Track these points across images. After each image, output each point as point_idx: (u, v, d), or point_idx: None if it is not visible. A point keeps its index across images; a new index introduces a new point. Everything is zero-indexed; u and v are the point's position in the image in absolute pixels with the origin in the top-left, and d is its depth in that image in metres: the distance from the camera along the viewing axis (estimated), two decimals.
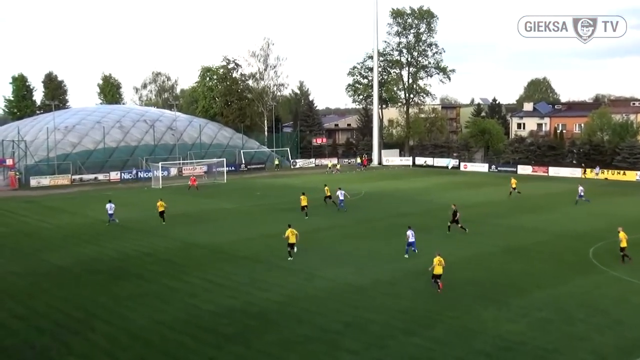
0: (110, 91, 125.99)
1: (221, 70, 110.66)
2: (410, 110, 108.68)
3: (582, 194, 53.45)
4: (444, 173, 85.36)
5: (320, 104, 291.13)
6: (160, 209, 45.65)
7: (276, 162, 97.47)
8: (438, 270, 26.79)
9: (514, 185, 59.20)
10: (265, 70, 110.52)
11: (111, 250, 36.13)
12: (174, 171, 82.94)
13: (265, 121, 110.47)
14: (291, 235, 33.05)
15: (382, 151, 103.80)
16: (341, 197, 49.94)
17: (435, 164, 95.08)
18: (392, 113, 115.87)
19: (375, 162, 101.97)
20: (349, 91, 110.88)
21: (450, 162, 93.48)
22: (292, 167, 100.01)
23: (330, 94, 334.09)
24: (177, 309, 24.87)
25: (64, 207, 54.61)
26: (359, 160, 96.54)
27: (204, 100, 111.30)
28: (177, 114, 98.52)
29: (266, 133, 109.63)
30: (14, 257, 34.73)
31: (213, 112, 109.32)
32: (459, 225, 40.01)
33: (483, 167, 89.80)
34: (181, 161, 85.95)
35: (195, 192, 64.46)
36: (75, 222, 46.52)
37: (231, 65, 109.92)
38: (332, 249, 35.51)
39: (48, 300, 26.31)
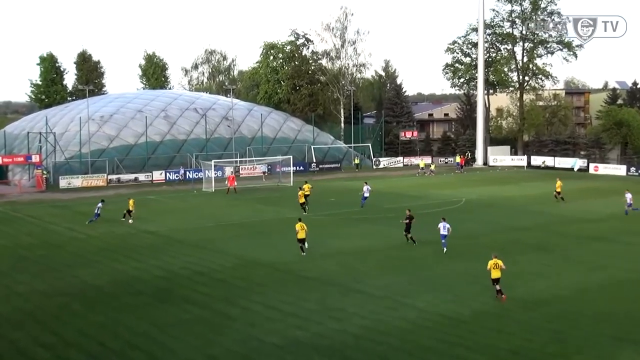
0: (154, 73, 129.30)
1: (288, 47, 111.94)
2: (524, 96, 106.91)
3: (630, 201, 53.50)
4: (568, 177, 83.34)
5: (410, 89, 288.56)
6: (130, 209, 51.70)
7: (356, 161, 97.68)
8: (496, 274, 29.58)
9: (558, 189, 60.47)
10: (342, 47, 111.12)
11: (155, 267, 37.03)
12: (229, 171, 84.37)
13: (342, 110, 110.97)
14: (300, 230, 38.53)
15: (489, 148, 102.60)
16: (366, 194, 57.16)
17: (556, 165, 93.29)
18: (501, 100, 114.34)
19: (479, 161, 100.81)
20: (447, 72, 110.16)
21: (577, 163, 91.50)
22: (374, 167, 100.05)
23: (423, 77, 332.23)
24: (233, 340, 25.23)
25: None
26: (457, 159, 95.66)
27: (266, 84, 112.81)
28: (235, 101, 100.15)
29: (342, 125, 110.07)
30: (41, 273, 36.05)
31: (278, 99, 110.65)
32: (409, 235, 41.69)
33: (619, 170, 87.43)
34: (238, 159, 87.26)
35: (234, 194, 66.08)
36: (112, 232, 47.93)
37: (300, 41, 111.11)
38: (423, 271, 35.28)
39: (80, 326, 27.18)
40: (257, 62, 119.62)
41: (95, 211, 51.03)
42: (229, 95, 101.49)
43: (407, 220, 41.80)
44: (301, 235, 38.55)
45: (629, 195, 54.04)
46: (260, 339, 25.28)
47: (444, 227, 39.58)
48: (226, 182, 70.34)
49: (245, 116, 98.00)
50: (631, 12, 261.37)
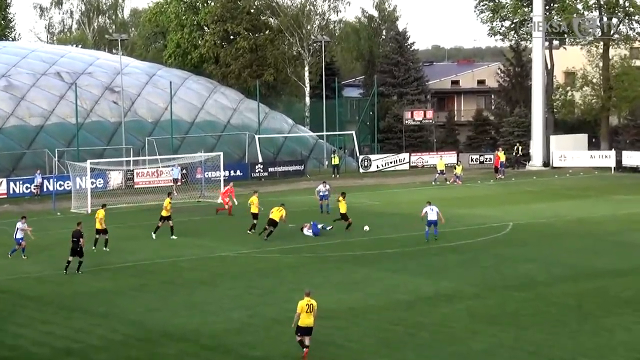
0: None
1: None
2: (612, 52, 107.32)
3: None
4: None
5: (420, 41, 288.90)
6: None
7: (335, 160, 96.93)
8: (307, 320, 31.03)
9: (345, 211, 60.78)
10: None
11: None
12: (116, 179, 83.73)
13: (307, 75, 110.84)
14: (98, 218, 53.96)
15: (552, 137, 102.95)
16: (323, 193, 68.01)
17: None
18: (573, 58, 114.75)
19: (535, 160, 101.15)
20: (482, 12, 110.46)
21: None
22: (361, 169, 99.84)
23: (442, 21, 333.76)
24: None
25: None
26: (501, 156, 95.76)
27: (179, 32, 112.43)
28: (126, 61, 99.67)
29: (308, 100, 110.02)
30: None
31: (198, 57, 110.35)
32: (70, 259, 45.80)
33: None
34: (132, 158, 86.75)
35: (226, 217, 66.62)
36: None
37: None
38: (449, 344, 35.09)
39: None
40: None
41: (16, 234, 52.39)
42: (115, 51, 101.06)
43: (75, 239, 47.45)
44: (98, 225, 53.50)
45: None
46: None
47: (431, 210, 53.98)
48: (220, 199, 70.15)
49: (143, 86, 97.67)
50: None
